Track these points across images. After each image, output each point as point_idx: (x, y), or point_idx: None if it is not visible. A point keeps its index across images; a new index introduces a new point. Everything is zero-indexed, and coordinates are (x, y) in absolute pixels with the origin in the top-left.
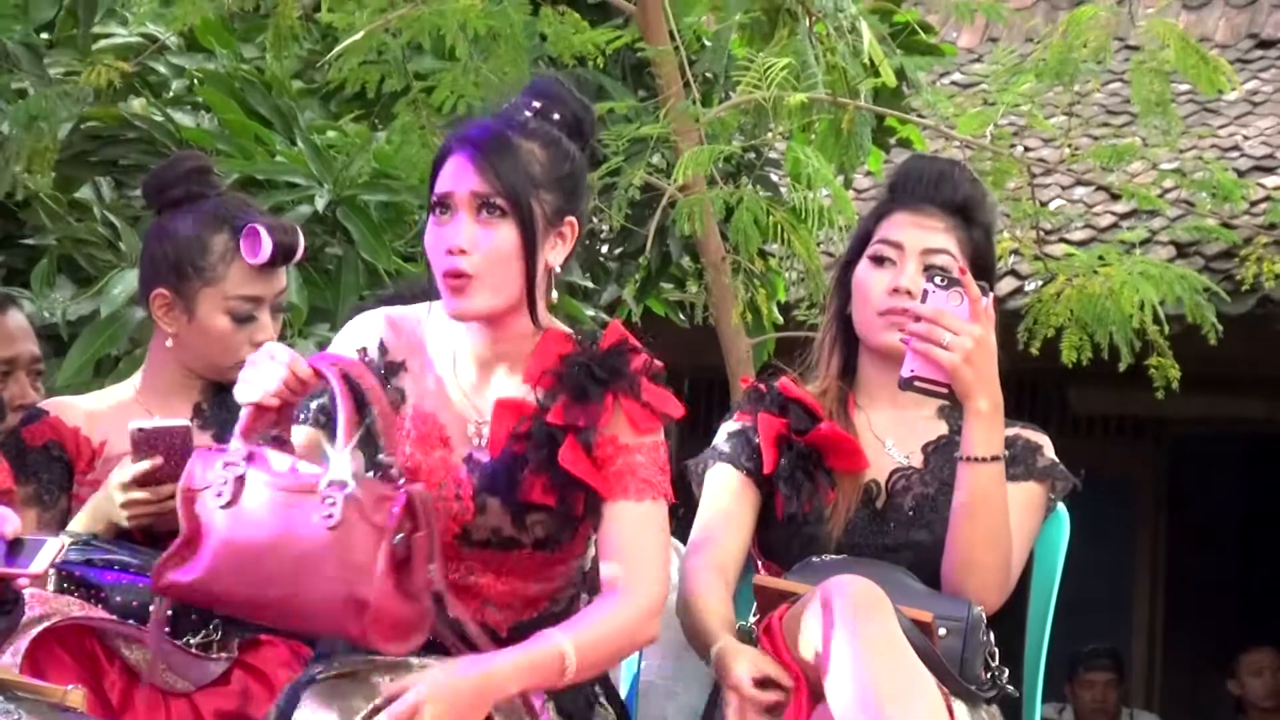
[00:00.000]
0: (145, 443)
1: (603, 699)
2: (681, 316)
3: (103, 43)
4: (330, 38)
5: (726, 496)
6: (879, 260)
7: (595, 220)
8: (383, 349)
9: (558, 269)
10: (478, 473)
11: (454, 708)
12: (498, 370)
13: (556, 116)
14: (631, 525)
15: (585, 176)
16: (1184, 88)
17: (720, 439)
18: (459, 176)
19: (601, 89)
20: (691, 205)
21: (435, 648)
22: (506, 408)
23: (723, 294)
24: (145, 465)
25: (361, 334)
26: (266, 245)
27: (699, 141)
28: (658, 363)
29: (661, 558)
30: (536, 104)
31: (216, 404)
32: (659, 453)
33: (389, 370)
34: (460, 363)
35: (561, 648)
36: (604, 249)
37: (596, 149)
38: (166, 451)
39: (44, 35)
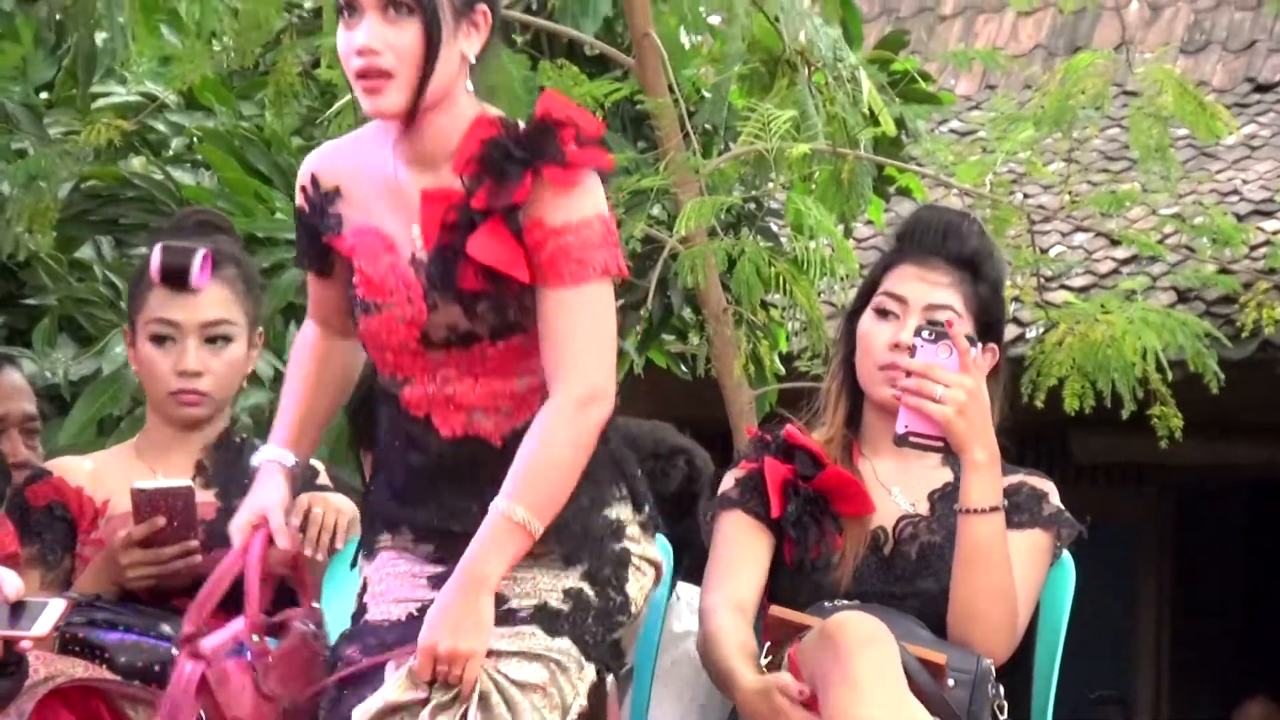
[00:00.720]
0: (146, 504)
1: (637, 561)
2: (684, 368)
3: (102, 102)
4: (329, 94)
5: (740, 539)
6: (883, 313)
7: None
8: (315, 182)
9: (473, 59)
10: (423, 272)
11: (460, 629)
12: (431, 167)
13: None
14: (562, 313)
15: None
16: (1182, 133)
17: (727, 485)
18: None
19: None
20: (693, 257)
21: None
22: (433, 199)
23: (725, 346)
24: (146, 527)
25: (301, 176)
26: (154, 265)
27: (700, 193)
28: (589, 127)
29: (598, 339)
30: None
31: (220, 461)
32: (593, 228)
33: (325, 200)
34: (397, 167)
35: (502, 511)
36: None
37: None
38: (168, 512)
39: (43, 95)
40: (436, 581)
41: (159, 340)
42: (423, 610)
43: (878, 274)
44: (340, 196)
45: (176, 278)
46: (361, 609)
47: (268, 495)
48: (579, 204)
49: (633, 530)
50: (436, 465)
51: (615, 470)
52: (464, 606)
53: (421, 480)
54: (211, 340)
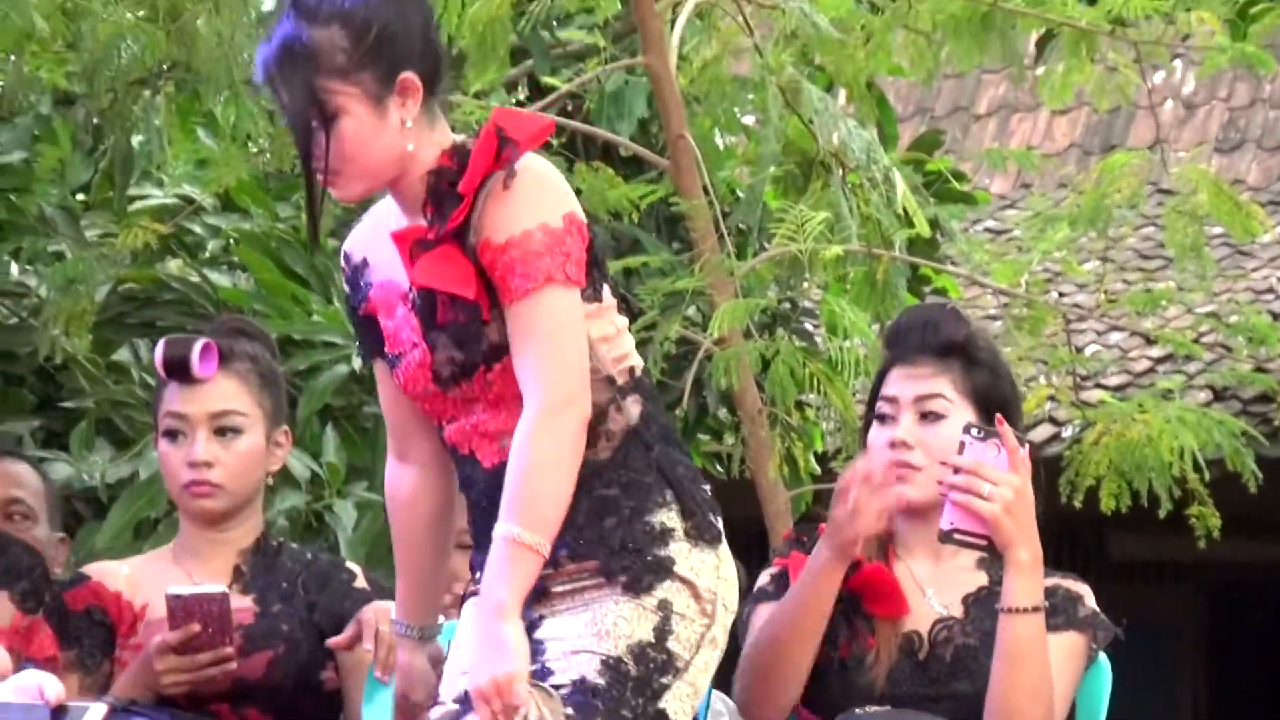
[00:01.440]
0: (181, 610)
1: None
2: (719, 468)
3: (139, 204)
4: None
5: None
6: (881, 418)
7: None
8: (347, 259)
9: (409, 123)
10: (419, 313)
11: (490, 660)
12: (412, 217)
13: None
14: (520, 327)
15: (413, 16)
16: (1218, 231)
17: (762, 582)
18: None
19: (637, 243)
20: (727, 359)
21: None
22: (401, 238)
23: (760, 446)
24: (181, 633)
25: (342, 260)
26: (157, 359)
27: (734, 294)
28: (522, 130)
29: (557, 346)
30: None
31: (256, 565)
32: (534, 238)
33: (357, 274)
34: (399, 223)
35: (502, 534)
36: None
37: None
38: (203, 619)
39: (81, 197)
40: None
41: (171, 435)
42: None
43: (876, 384)
44: (368, 266)
45: (179, 369)
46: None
47: (422, 680)
48: (518, 215)
49: (680, 537)
50: (487, 499)
51: (659, 476)
52: (488, 638)
53: (481, 518)
54: (221, 431)
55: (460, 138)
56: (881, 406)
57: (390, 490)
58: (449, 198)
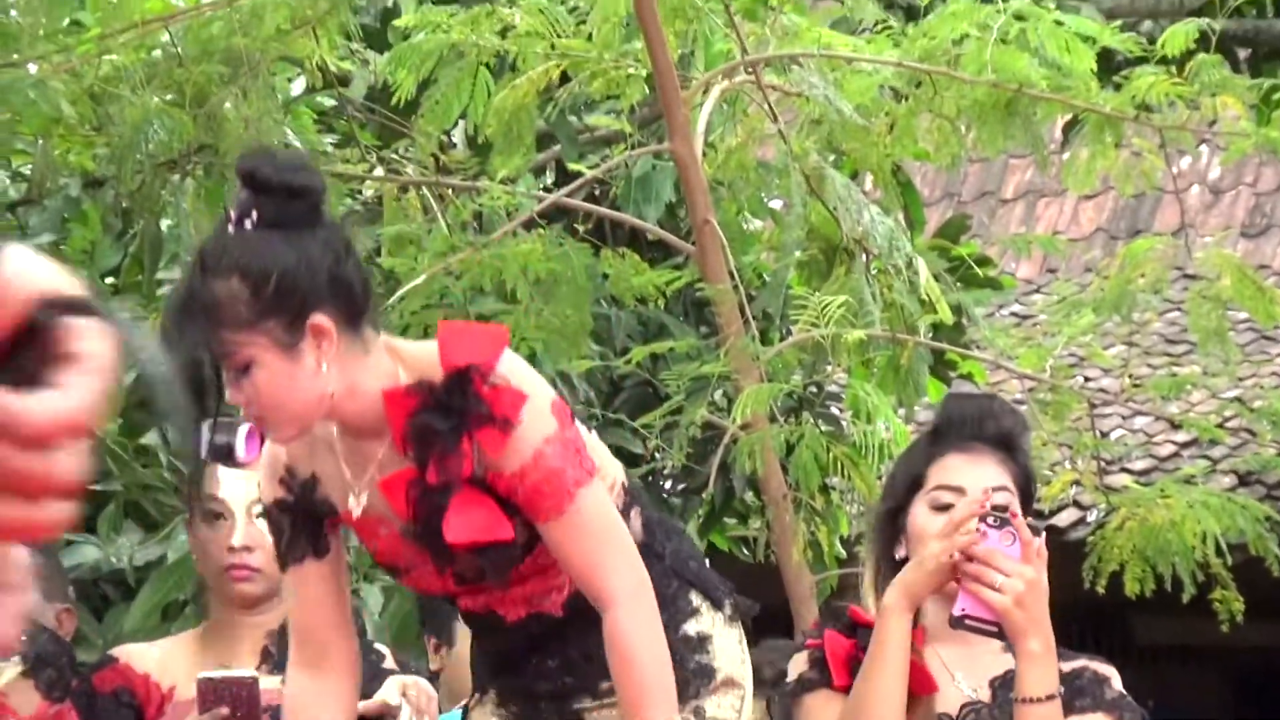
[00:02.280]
0: (211, 694)
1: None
2: (745, 552)
3: (167, 287)
4: (392, 280)
5: (830, 715)
6: (941, 507)
7: (659, 457)
8: (291, 473)
9: (325, 366)
10: (418, 540)
11: None
12: (372, 437)
13: (255, 216)
14: (565, 540)
15: (317, 258)
16: (1242, 316)
17: (802, 668)
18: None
19: (663, 327)
20: (752, 443)
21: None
22: (391, 486)
23: (785, 531)
24: (209, 718)
25: (271, 471)
26: (201, 444)
27: (760, 379)
28: (490, 357)
29: (607, 541)
30: (237, 213)
31: (285, 647)
32: (546, 458)
33: (308, 488)
34: (344, 450)
35: None
36: (667, 485)
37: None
38: (233, 703)
39: (110, 281)
40: None
41: (211, 518)
42: None
43: (920, 468)
44: (319, 482)
45: (223, 454)
46: None
47: None
48: (522, 444)
49: (717, 630)
50: (509, 643)
51: (679, 581)
52: None
53: (502, 654)
54: (262, 516)
55: (415, 356)
56: (941, 495)
57: (299, 703)
58: (446, 442)
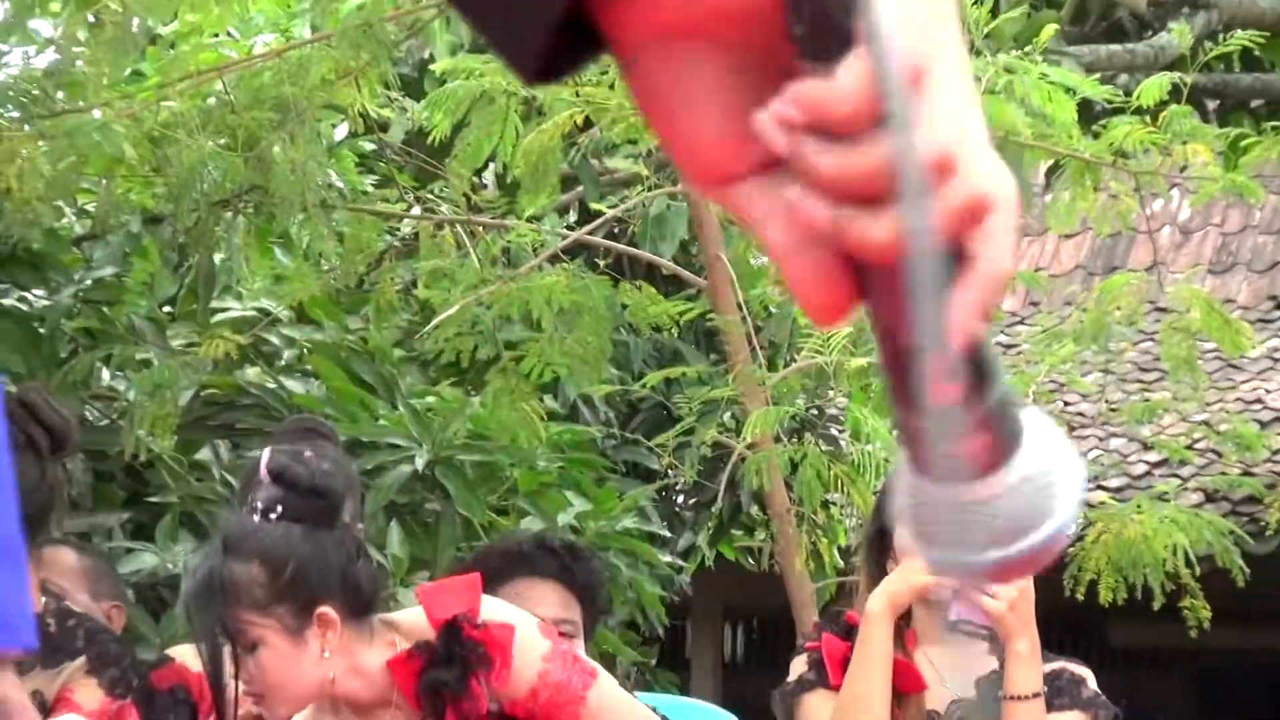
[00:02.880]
0: None
1: None
2: (751, 561)
3: (220, 316)
4: (428, 311)
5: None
6: None
7: (672, 474)
8: None
9: (327, 653)
10: None
11: None
12: (376, 714)
13: (280, 509)
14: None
15: (332, 554)
16: (1210, 346)
17: (801, 669)
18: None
19: (677, 354)
20: (759, 462)
21: None
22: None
23: (788, 542)
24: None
25: None
26: (264, 468)
27: (765, 402)
28: (473, 603)
29: (635, 716)
30: (264, 504)
31: None
32: (550, 674)
33: None
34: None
35: None
36: (679, 500)
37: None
38: None
39: (167, 310)
40: None
41: None
42: None
43: None
44: None
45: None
46: None
47: None
48: (525, 670)
49: None
50: None
51: None
52: None
53: None
54: None
55: (409, 623)
56: None
57: None
58: (457, 690)
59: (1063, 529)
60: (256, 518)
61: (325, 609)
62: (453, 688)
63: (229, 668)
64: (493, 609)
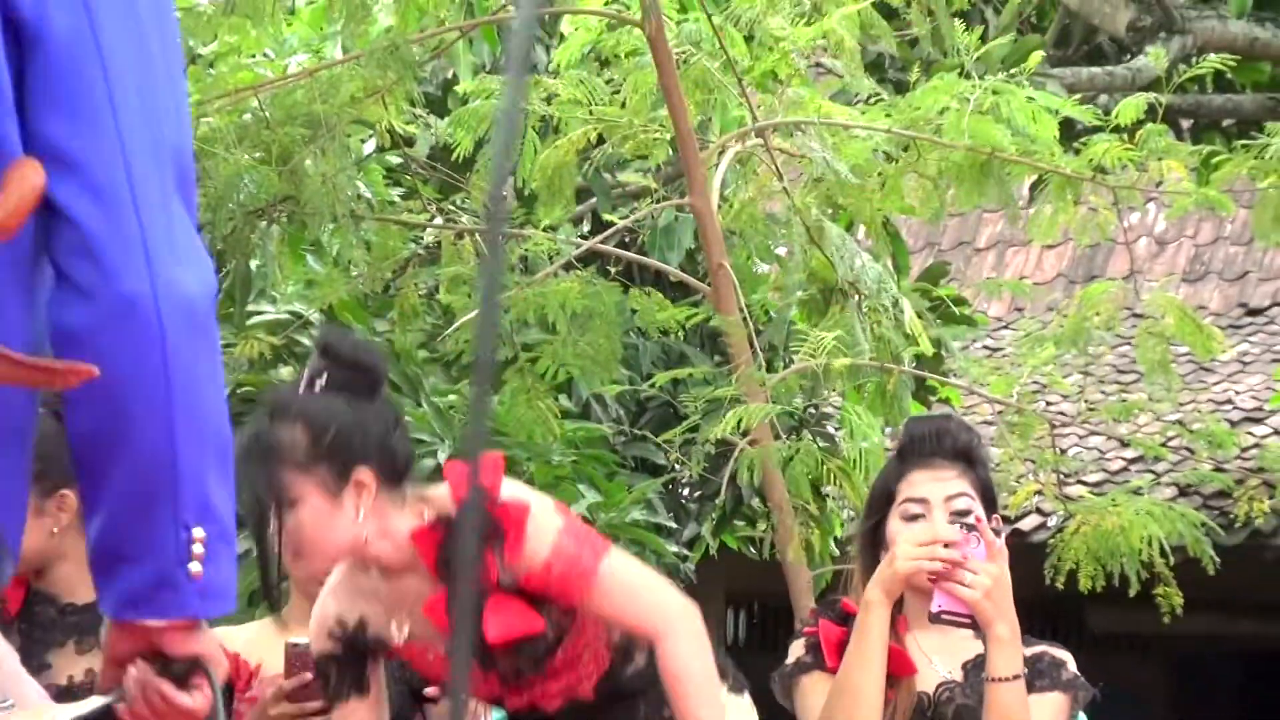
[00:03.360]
0: (298, 659)
1: None
2: (753, 550)
3: (255, 319)
4: (449, 314)
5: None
6: (910, 518)
7: (678, 468)
8: (341, 623)
9: (362, 514)
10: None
11: None
12: (409, 572)
13: (325, 380)
14: (607, 606)
15: (371, 422)
16: (1183, 350)
17: (799, 652)
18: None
19: (683, 356)
20: (752, 457)
21: None
22: (433, 608)
23: (785, 532)
24: (295, 681)
25: (320, 625)
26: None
27: (765, 401)
28: (495, 481)
29: (643, 590)
30: (309, 375)
31: None
32: (563, 547)
33: (358, 634)
34: (385, 584)
35: None
36: (685, 493)
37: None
38: (315, 669)
39: None
40: None
41: None
42: None
43: (892, 485)
44: (367, 624)
45: None
46: None
47: None
48: (539, 543)
49: (725, 697)
50: None
51: None
52: None
53: None
54: None
55: (436, 496)
56: (909, 507)
57: None
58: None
59: None
60: (302, 387)
61: (362, 473)
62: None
63: (272, 526)
64: (511, 489)
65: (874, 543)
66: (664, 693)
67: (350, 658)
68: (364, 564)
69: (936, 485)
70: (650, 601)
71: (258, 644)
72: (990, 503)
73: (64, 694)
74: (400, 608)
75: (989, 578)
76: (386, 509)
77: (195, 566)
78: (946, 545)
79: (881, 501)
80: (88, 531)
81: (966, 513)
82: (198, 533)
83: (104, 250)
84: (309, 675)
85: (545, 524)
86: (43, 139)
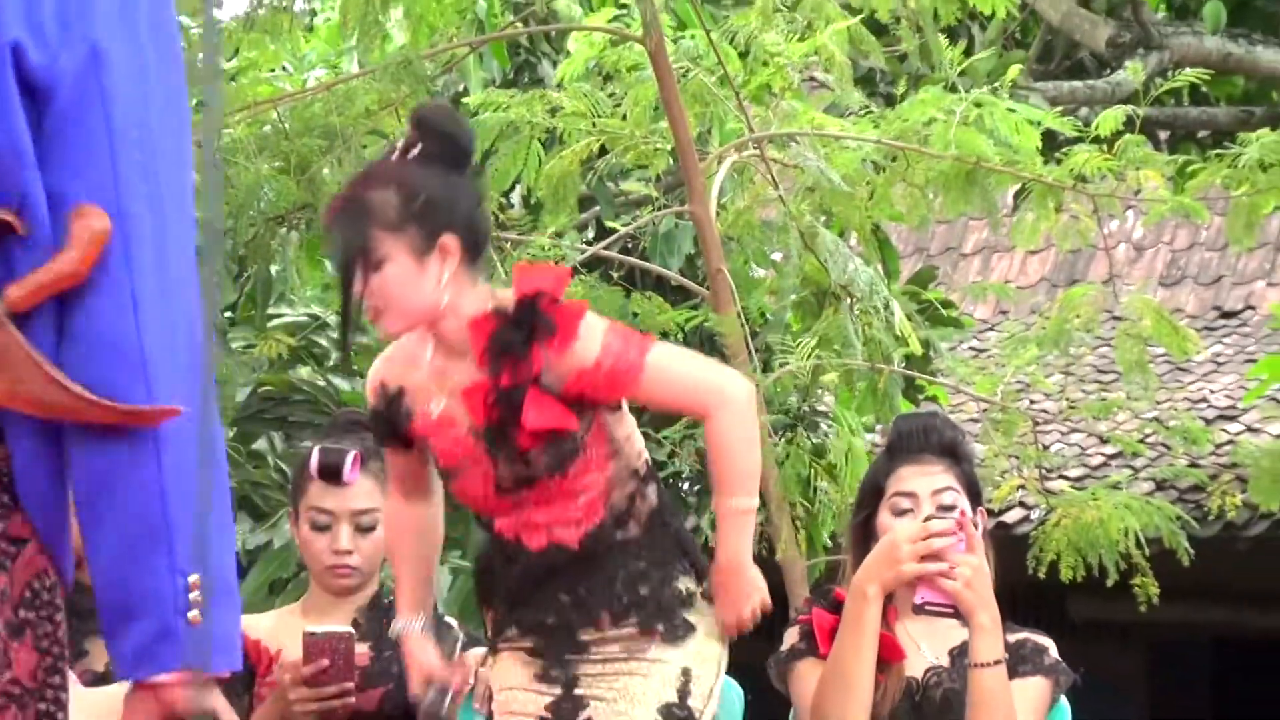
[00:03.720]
0: (314, 646)
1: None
2: None
3: (275, 321)
4: None
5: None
6: (900, 512)
7: (677, 462)
8: (383, 387)
9: (444, 279)
10: (482, 441)
11: (744, 595)
12: (459, 356)
13: (419, 150)
14: (659, 391)
15: (460, 193)
16: (1160, 351)
17: (793, 639)
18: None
19: None
20: None
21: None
22: (470, 393)
23: (780, 526)
24: (313, 667)
25: (371, 381)
26: (313, 464)
27: (760, 400)
28: (556, 285)
29: (695, 369)
30: (404, 145)
31: (372, 619)
32: (612, 343)
33: (395, 400)
34: (437, 361)
35: (731, 507)
36: (684, 487)
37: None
38: (331, 655)
39: (228, 315)
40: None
41: (317, 526)
42: None
43: (881, 480)
44: (405, 393)
45: (332, 474)
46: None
47: (431, 657)
48: (589, 341)
49: (698, 599)
50: (529, 573)
51: (678, 547)
52: (746, 581)
53: (522, 587)
54: (360, 527)
55: (503, 293)
56: (898, 501)
57: (399, 521)
58: (518, 352)
59: None
60: (395, 156)
61: (448, 239)
62: (514, 348)
63: (357, 284)
64: (570, 296)
65: (865, 535)
66: (640, 573)
67: (387, 419)
68: (425, 337)
69: (924, 480)
70: (698, 381)
71: (278, 631)
72: (975, 496)
73: (100, 679)
74: (442, 386)
75: (969, 569)
76: (462, 284)
77: (194, 614)
78: (937, 535)
79: (872, 495)
80: (95, 591)
81: (952, 507)
82: (193, 579)
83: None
84: (325, 662)
85: (595, 324)
86: (46, 187)
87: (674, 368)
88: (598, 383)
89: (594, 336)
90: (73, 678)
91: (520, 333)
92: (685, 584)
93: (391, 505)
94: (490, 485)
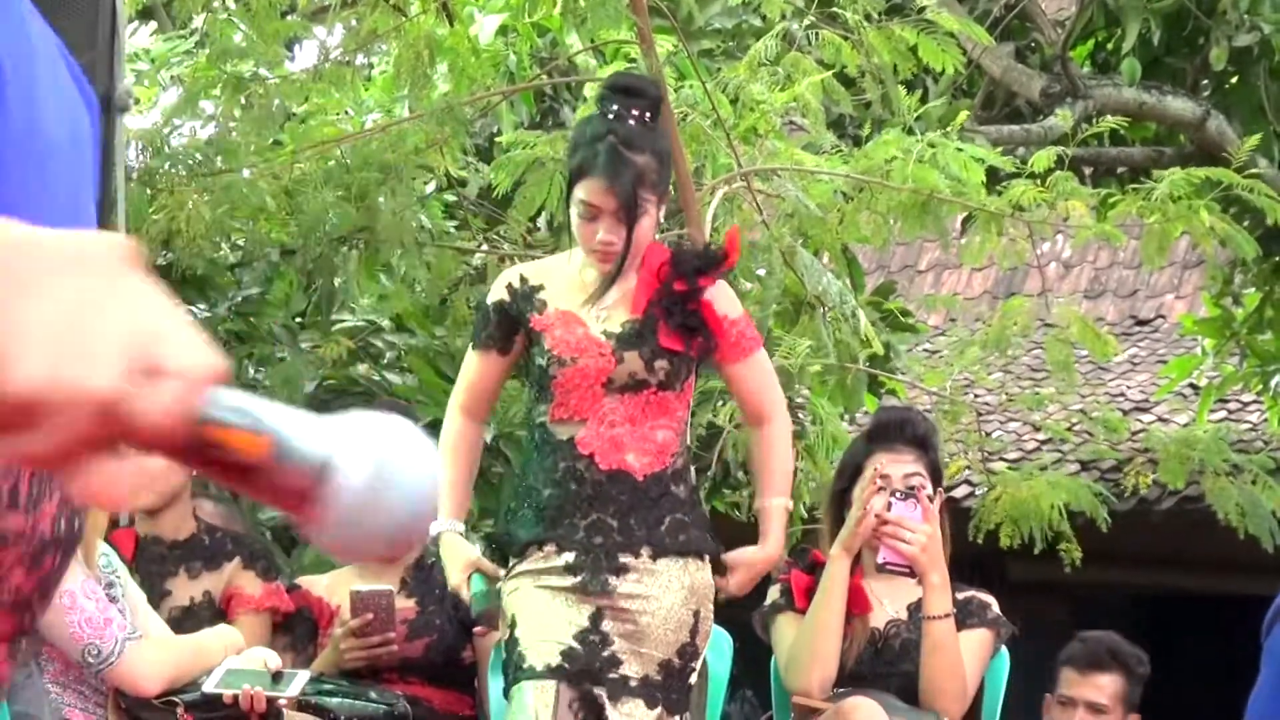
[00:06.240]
0: (359, 603)
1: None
2: (739, 513)
3: (338, 325)
4: None
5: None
6: (874, 491)
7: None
8: (523, 280)
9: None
10: (614, 338)
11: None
12: (620, 279)
13: (648, 115)
14: (752, 374)
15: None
16: (1084, 353)
17: (775, 597)
18: (604, 198)
19: None
20: (736, 439)
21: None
22: (642, 284)
23: None
24: (359, 621)
25: (507, 280)
26: None
27: None
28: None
29: (773, 381)
30: (639, 111)
31: (418, 577)
32: (742, 319)
33: (531, 291)
34: (590, 276)
35: (780, 505)
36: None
37: None
38: (375, 609)
39: (297, 320)
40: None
41: None
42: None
43: (859, 461)
44: (543, 289)
45: None
46: (514, 641)
47: (474, 552)
48: (735, 302)
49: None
50: (592, 493)
51: (709, 525)
52: (765, 568)
53: (576, 505)
54: None
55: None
56: (874, 481)
57: (459, 434)
58: (689, 262)
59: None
60: (633, 122)
61: (666, 193)
62: (692, 262)
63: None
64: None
65: (840, 505)
66: (682, 525)
67: (512, 312)
68: (574, 256)
69: (896, 465)
70: (775, 392)
71: (337, 589)
72: (937, 479)
73: (186, 613)
74: (584, 291)
75: (924, 535)
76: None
77: None
78: (884, 515)
79: (849, 473)
80: None
81: (912, 487)
82: None
83: None
84: (370, 616)
85: (734, 298)
86: None
87: (769, 369)
88: (729, 335)
89: (737, 305)
90: (159, 622)
91: (701, 261)
92: (712, 547)
93: (455, 423)
94: (602, 377)
